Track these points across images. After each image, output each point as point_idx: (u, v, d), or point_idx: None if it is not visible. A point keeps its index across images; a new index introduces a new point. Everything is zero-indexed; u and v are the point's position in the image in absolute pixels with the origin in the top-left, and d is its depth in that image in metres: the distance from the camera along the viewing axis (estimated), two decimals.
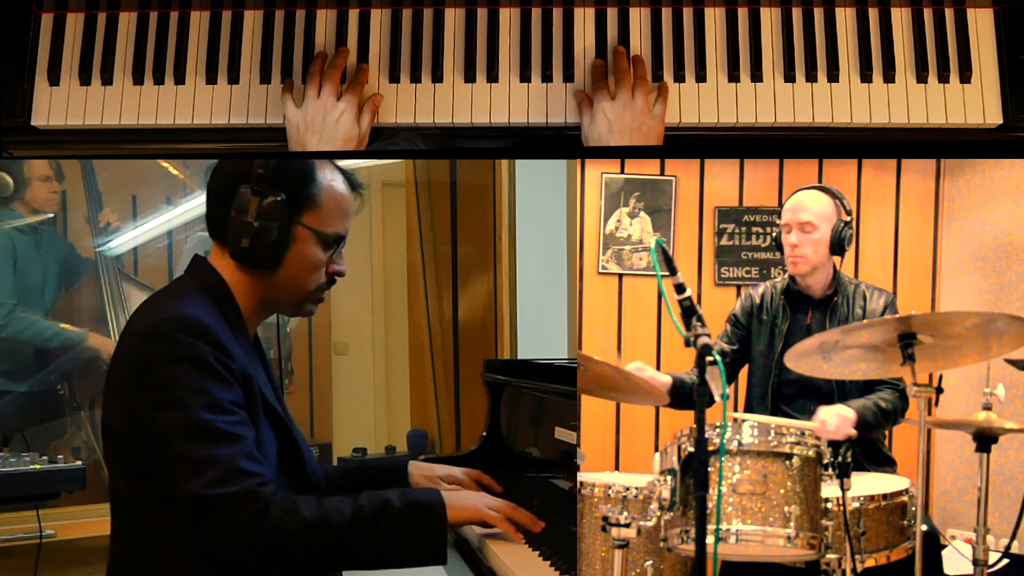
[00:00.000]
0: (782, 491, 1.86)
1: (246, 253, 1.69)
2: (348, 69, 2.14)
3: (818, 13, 2.17)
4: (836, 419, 2.35)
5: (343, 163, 1.82)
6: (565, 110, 2.14)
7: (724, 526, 1.83)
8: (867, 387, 2.59)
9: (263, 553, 1.55)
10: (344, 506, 1.61)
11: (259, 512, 1.53)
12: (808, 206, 2.62)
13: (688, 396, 2.58)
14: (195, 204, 3.92)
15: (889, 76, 2.14)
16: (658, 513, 1.88)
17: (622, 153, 2.06)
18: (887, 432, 2.69)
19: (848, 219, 2.61)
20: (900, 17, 2.18)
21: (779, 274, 3.96)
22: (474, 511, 1.77)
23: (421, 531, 1.63)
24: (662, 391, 2.38)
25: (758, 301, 2.76)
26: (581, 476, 2.13)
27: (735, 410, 2.94)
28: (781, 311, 2.70)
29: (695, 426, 1.59)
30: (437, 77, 2.15)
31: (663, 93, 2.11)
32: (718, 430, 1.84)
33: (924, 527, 2.03)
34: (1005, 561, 2.48)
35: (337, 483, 1.98)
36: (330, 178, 1.76)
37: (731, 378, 2.82)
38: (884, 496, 2.10)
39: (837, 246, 2.60)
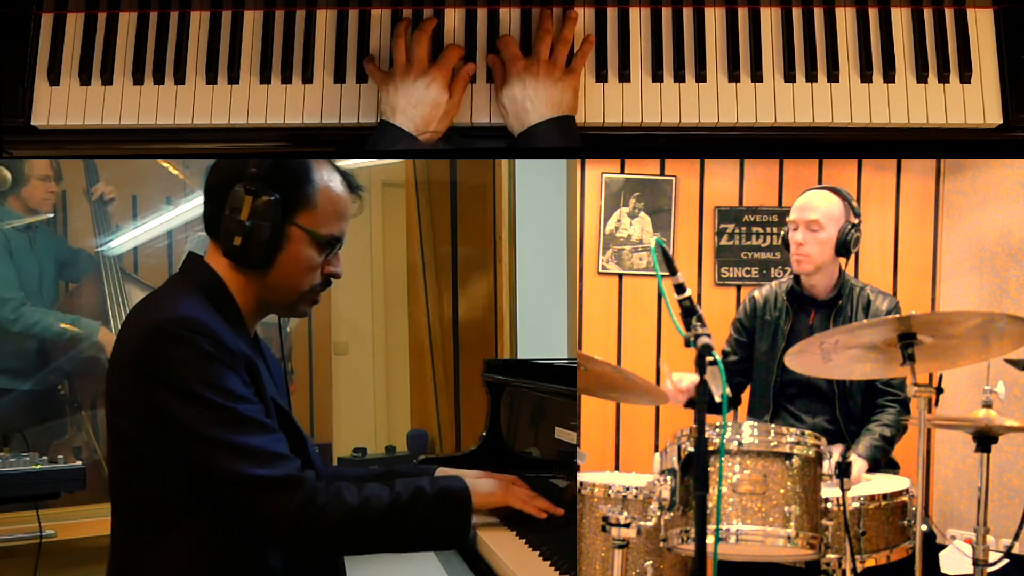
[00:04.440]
0: (782, 491, 1.86)
1: (238, 252, 1.69)
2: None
3: (818, 13, 2.17)
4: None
5: (344, 163, 1.82)
6: None
7: (724, 526, 1.83)
8: (868, 389, 2.59)
9: (311, 535, 1.61)
10: (383, 492, 1.69)
11: (308, 497, 1.60)
12: (816, 205, 2.61)
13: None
14: (195, 204, 3.92)
15: (889, 76, 2.14)
16: (658, 513, 1.88)
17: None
18: None
19: (856, 221, 2.61)
20: (900, 17, 2.18)
21: (779, 274, 3.96)
22: (501, 497, 1.92)
23: (449, 517, 1.74)
24: (662, 391, 2.37)
25: (761, 302, 2.75)
26: (581, 476, 2.13)
27: (735, 417, 2.93)
28: (785, 311, 2.69)
29: (695, 426, 1.59)
30: None
31: (586, 44, 2.12)
32: (718, 430, 1.84)
33: (924, 527, 2.03)
34: (1005, 561, 2.48)
35: None
36: (327, 179, 1.75)
37: (737, 390, 2.80)
38: (884, 496, 2.10)
39: (843, 247, 2.60)
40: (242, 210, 1.68)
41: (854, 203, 2.64)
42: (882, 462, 2.49)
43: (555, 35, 2.11)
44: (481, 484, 1.92)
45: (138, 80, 2.16)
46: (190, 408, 1.56)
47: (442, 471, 2.10)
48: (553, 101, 2.03)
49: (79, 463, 2.73)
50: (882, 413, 2.55)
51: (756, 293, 2.78)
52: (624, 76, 2.14)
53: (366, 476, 2.05)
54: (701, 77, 2.14)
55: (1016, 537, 2.23)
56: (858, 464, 2.37)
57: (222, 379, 1.59)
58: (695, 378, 2.48)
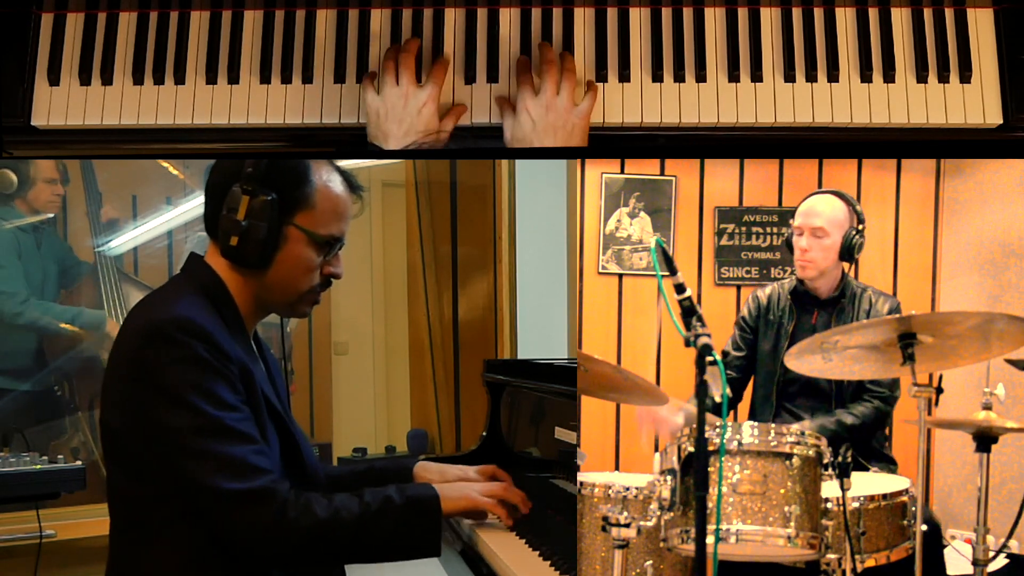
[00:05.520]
0: (782, 491, 1.86)
1: (235, 251, 1.69)
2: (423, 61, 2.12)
3: (818, 13, 2.17)
4: None
5: (344, 163, 1.82)
6: None
7: (724, 526, 1.83)
8: (859, 386, 2.60)
9: (280, 549, 1.59)
10: (352, 503, 1.65)
11: (278, 510, 1.57)
12: (821, 211, 2.62)
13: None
14: (195, 204, 3.92)
15: (889, 76, 2.14)
16: (658, 513, 1.88)
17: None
18: (886, 432, 2.70)
19: (861, 227, 2.61)
20: (900, 17, 2.18)
21: (779, 274, 3.97)
22: (468, 501, 1.84)
23: (419, 525, 1.69)
24: (662, 392, 2.37)
25: (765, 302, 2.76)
26: (581, 476, 2.13)
27: (735, 414, 2.93)
28: (788, 311, 2.70)
29: (695, 426, 1.59)
30: None
31: (592, 89, 2.07)
32: (718, 430, 1.84)
33: (925, 526, 2.03)
34: (1005, 560, 2.48)
35: (346, 485, 1.99)
36: (326, 179, 1.74)
37: (740, 386, 2.81)
38: (884, 496, 2.10)
39: (847, 252, 2.61)
40: (239, 210, 1.68)
41: (858, 207, 2.64)
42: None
43: (556, 69, 2.04)
44: (451, 489, 1.86)
45: (138, 80, 2.16)
46: (175, 413, 1.55)
47: (421, 466, 2.07)
48: (559, 142, 1.99)
49: (79, 463, 2.73)
50: (856, 404, 2.57)
51: (760, 292, 2.79)
52: (624, 76, 2.14)
53: (347, 475, 2.04)
54: (701, 77, 2.14)
55: (1010, 534, 2.23)
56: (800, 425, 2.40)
57: (212, 386, 1.58)
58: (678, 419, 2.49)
